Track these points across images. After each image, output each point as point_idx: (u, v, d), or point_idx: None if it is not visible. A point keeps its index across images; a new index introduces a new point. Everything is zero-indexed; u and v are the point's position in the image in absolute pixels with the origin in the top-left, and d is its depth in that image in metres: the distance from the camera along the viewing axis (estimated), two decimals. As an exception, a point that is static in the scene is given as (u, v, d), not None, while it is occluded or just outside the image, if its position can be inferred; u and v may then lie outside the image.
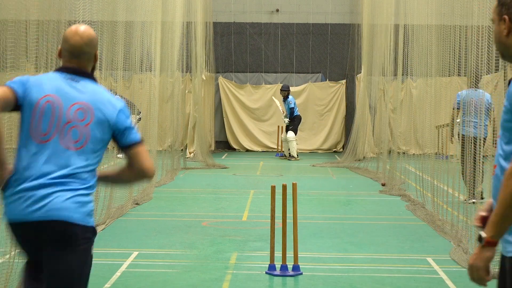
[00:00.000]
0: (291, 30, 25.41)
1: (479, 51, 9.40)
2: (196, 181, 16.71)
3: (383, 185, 15.64)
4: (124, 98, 19.25)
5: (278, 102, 22.76)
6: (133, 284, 7.55)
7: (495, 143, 14.33)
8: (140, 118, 17.88)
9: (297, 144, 22.30)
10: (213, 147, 24.72)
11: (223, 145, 25.50)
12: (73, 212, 4.05)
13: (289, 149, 22.10)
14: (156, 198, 13.67)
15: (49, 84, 4.21)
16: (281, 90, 22.59)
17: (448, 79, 13.23)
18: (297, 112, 22.28)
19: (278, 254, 8.15)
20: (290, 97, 22.29)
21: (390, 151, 16.54)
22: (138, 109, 18.25)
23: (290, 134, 21.80)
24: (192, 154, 21.16)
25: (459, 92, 12.37)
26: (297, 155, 22.11)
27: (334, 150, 25.30)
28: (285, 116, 22.19)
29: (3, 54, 7.37)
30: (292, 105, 22.06)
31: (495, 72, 9.34)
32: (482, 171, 11.28)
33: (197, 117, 20.57)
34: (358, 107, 21.38)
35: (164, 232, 10.37)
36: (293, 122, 22.09)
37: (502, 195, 3.31)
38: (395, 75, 16.46)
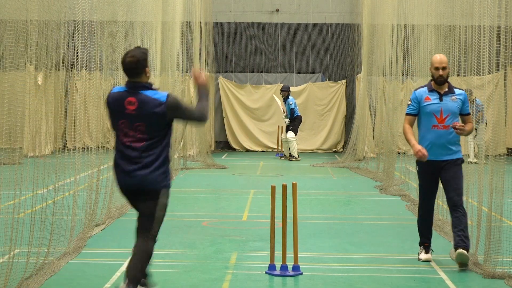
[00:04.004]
0: (291, 30, 25.41)
1: (480, 51, 9.39)
2: (196, 181, 16.71)
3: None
4: None
5: (279, 101, 22.71)
6: (133, 284, 7.53)
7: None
8: None
9: (297, 144, 22.29)
10: (213, 147, 24.72)
11: (223, 145, 25.51)
12: None
13: (289, 149, 22.09)
14: (156, 198, 13.64)
15: None
16: (281, 90, 22.56)
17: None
18: (298, 112, 22.26)
19: (278, 254, 8.14)
20: (290, 97, 22.24)
21: (390, 151, 16.53)
22: None
23: (290, 134, 21.78)
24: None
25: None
26: (298, 155, 22.11)
27: (334, 150, 25.31)
28: (286, 116, 22.17)
29: (3, 54, 7.36)
30: (292, 106, 22.04)
31: (495, 72, 9.32)
32: None
33: None
34: (358, 107, 21.38)
35: (164, 232, 10.32)
36: (294, 123, 22.06)
37: None
38: (395, 75, 16.46)
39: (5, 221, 7.33)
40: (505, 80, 20.64)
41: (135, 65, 6.35)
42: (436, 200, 11.48)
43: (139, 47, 6.62)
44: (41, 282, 7.39)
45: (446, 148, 8.39)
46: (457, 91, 8.51)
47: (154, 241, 6.59)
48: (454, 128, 8.27)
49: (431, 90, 8.51)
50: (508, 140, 22.02)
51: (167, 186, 6.51)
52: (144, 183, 6.41)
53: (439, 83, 8.41)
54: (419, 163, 8.51)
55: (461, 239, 8.22)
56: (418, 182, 8.81)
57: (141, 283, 6.42)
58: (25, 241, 7.45)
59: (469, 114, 8.53)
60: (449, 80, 8.49)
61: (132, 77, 6.40)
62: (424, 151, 8.25)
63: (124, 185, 6.52)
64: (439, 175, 8.47)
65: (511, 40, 8.51)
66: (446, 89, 8.48)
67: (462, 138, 8.65)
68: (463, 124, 8.36)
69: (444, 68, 8.38)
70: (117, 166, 6.49)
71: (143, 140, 6.37)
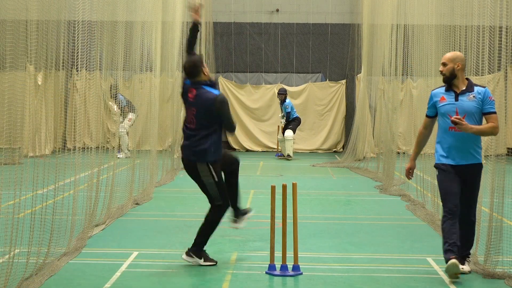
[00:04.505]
0: (291, 30, 25.41)
1: (479, 50, 9.39)
2: (196, 181, 16.67)
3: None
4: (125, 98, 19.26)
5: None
6: (133, 284, 7.54)
7: None
8: (137, 115, 17.88)
9: (294, 143, 22.30)
10: (213, 147, 24.69)
11: (223, 145, 25.47)
12: None
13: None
14: (156, 198, 13.66)
15: None
16: (278, 93, 22.52)
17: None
18: (296, 114, 22.29)
19: (278, 254, 8.14)
20: (287, 100, 22.23)
21: (390, 151, 16.53)
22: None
23: (289, 133, 21.79)
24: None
25: None
26: (292, 155, 22.11)
27: (334, 150, 25.31)
28: (282, 117, 22.19)
29: (3, 54, 7.36)
30: (288, 110, 22.05)
31: (497, 71, 9.32)
32: None
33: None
34: (358, 107, 21.38)
35: (164, 232, 10.37)
36: (293, 122, 22.06)
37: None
38: (395, 75, 16.46)
39: (5, 221, 7.32)
40: (505, 80, 20.65)
41: (192, 69, 8.18)
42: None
43: (195, 54, 8.48)
44: (41, 282, 7.39)
45: (465, 152, 7.85)
46: (477, 89, 7.88)
47: (220, 209, 8.30)
48: (453, 122, 7.69)
49: (447, 90, 7.97)
50: (508, 140, 22.02)
51: (204, 161, 8.18)
52: (189, 156, 8.21)
53: (443, 80, 7.98)
54: (439, 166, 7.97)
55: (454, 246, 7.72)
56: (438, 187, 8.07)
57: (238, 214, 8.81)
58: (25, 241, 7.45)
59: (490, 113, 7.83)
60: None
61: (192, 77, 8.22)
62: (409, 175, 8.17)
63: (182, 158, 8.35)
64: (460, 177, 7.88)
65: (511, 40, 8.51)
66: (464, 88, 7.91)
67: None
68: (459, 117, 7.69)
69: (444, 64, 7.93)
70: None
71: (193, 123, 8.20)
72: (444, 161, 7.93)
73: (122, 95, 18.91)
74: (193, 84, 8.20)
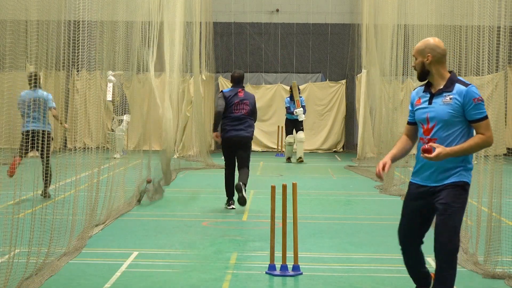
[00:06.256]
0: (291, 30, 25.42)
1: (479, 51, 9.39)
2: (196, 181, 16.71)
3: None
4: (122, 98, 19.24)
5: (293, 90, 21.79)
6: (133, 284, 7.54)
7: None
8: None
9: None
10: (213, 147, 24.72)
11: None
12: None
13: (294, 150, 21.62)
14: (156, 198, 13.66)
15: None
16: (295, 88, 21.52)
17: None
18: None
19: (278, 254, 8.14)
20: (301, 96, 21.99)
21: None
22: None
23: (302, 134, 21.25)
24: (177, 154, 20.58)
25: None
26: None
27: (334, 150, 25.32)
28: (296, 112, 21.43)
29: (3, 54, 7.37)
30: (304, 103, 21.58)
31: (495, 72, 9.33)
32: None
33: (189, 116, 20.51)
34: (358, 107, 21.38)
35: (164, 232, 10.37)
36: (300, 122, 21.72)
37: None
38: (395, 75, 16.47)
39: (5, 221, 7.33)
40: (505, 80, 20.66)
41: (242, 77, 12.43)
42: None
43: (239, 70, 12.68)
44: (41, 282, 7.39)
45: (435, 171, 6.00)
46: (457, 88, 5.91)
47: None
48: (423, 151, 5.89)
49: (426, 89, 6.13)
50: (508, 140, 22.02)
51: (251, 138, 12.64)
52: (244, 133, 12.45)
53: (417, 78, 6.17)
54: (409, 183, 6.27)
55: None
56: None
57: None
58: (25, 241, 7.45)
59: (478, 120, 5.86)
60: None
61: (240, 83, 12.37)
62: (380, 167, 6.03)
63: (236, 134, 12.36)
64: (427, 205, 6.16)
65: (510, 40, 8.51)
66: (441, 86, 6.00)
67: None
68: (431, 145, 5.83)
69: (414, 58, 6.16)
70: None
71: (246, 110, 12.25)
72: (412, 179, 6.21)
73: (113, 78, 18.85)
74: (239, 89, 12.19)
